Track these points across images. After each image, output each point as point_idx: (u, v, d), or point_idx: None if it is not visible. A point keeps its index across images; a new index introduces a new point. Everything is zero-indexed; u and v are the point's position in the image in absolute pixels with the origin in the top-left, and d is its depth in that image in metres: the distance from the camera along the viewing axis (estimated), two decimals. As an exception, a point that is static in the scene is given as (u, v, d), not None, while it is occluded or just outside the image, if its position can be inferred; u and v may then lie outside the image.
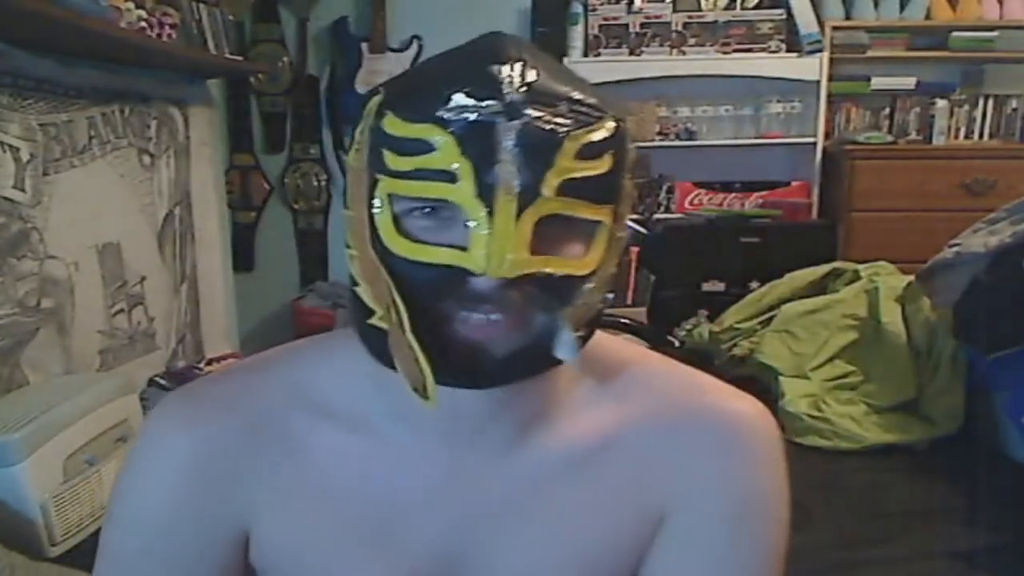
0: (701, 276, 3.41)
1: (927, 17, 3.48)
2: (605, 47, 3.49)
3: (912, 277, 2.51)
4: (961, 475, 1.92)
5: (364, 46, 3.56)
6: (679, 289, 3.30)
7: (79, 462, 1.68)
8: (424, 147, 0.51)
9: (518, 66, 0.51)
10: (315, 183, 3.74)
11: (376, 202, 0.54)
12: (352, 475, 0.61)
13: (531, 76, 0.51)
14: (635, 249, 3.24)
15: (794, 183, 3.64)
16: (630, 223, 0.64)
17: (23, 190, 1.88)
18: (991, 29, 3.43)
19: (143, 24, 2.14)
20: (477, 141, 0.50)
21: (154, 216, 2.56)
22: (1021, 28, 3.45)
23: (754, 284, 3.12)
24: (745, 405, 0.65)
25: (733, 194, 3.66)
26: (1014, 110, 3.55)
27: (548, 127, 0.50)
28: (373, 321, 0.55)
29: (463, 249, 0.51)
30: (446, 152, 0.50)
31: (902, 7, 3.48)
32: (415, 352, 0.52)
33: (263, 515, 0.61)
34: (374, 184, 0.54)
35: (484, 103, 0.50)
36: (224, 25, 2.74)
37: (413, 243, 0.53)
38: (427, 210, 0.52)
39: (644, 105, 3.53)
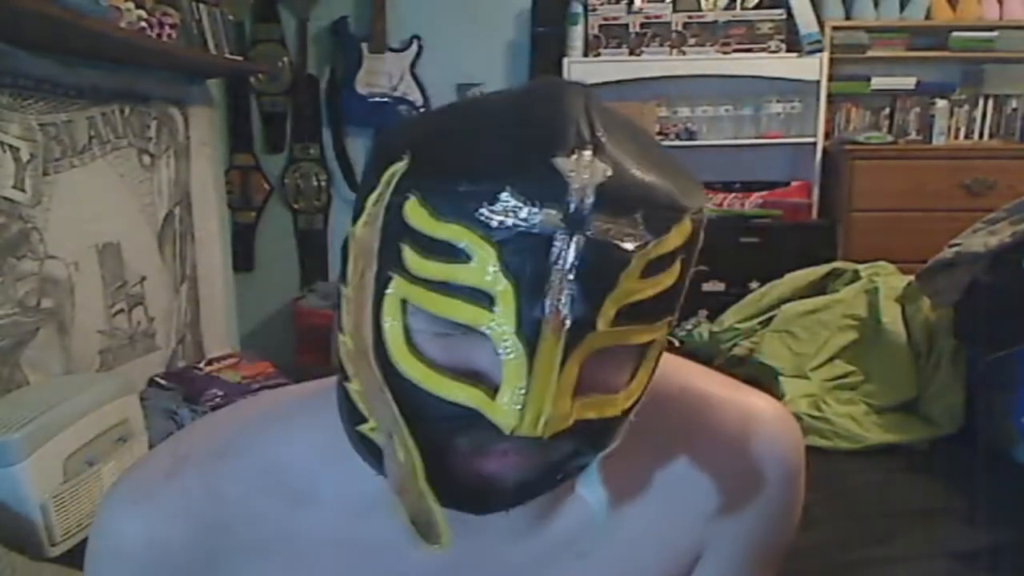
0: (701, 276, 3.41)
1: (927, 17, 3.48)
2: (605, 47, 3.48)
3: (912, 277, 2.51)
4: (961, 475, 1.92)
5: (364, 46, 3.56)
6: (679, 289, 3.29)
7: (79, 462, 1.68)
8: (457, 253, 0.40)
9: (587, 155, 0.40)
10: (315, 183, 3.74)
11: (386, 305, 0.44)
12: (345, 568, 0.54)
13: (603, 173, 0.40)
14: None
15: (794, 183, 3.64)
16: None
17: (23, 190, 1.88)
18: (991, 29, 3.43)
19: (143, 24, 2.14)
20: (527, 257, 0.39)
21: (154, 216, 2.55)
22: (1021, 28, 3.44)
23: (754, 284, 3.12)
24: (767, 417, 0.59)
25: (733, 194, 3.65)
26: (1014, 110, 3.55)
27: (617, 242, 0.40)
28: (365, 431, 0.47)
29: (490, 390, 0.42)
30: (486, 268, 0.39)
31: (902, 7, 3.48)
32: (428, 501, 0.44)
33: None
34: (387, 280, 0.43)
35: (540, 209, 0.39)
36: (224, 25, 2.74)
37: (429, 369, 0.43)
38: (449, 334, 0.43)
39: (644, 105, 3.53)
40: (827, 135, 3.56)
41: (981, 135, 3.57)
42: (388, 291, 0.43)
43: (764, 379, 2.52)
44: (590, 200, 0.39)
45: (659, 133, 3.59)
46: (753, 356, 2.61)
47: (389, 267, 0.43)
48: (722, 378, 0.62)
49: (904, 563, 1.54)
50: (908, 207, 3.32)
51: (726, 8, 3.50)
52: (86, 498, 1.69)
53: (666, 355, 0.54)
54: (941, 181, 3.33)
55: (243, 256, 3.62)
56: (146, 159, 2.49)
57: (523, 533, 0.55)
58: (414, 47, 3.56)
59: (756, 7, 3.49)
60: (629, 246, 0.40)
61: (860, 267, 2.80)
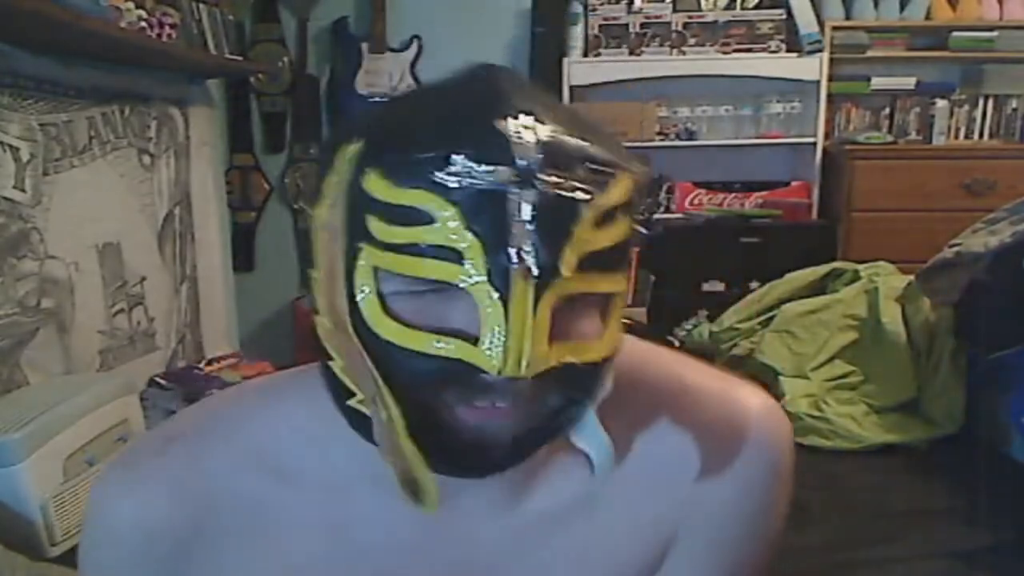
0: (701, 276, 3.41)
1: (927, 17, 3.48)
2: (605, 47, 3.48)
3: (912, 277, 2.51)
4: (961, 475, 1.92)
5: (364, 46, 3.56)
6: (679, 289, 3.30)
7: (79, 462, 1.68)
8: (420, 216, 0.43)
9: (528, 119, 0.44)
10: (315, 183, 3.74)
11: (358, 276, 0.46)
12: (326, 544, 0.55)
13: (544, 132, 0.44)
14: (635, 249, 3.24)
15: (794, 183, 3.64)
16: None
17: (23, 190, 1.88)
18: (991, 29, 3.43)
19: (143, 24, 2.14)
20: (486, 213, 0.42)
21: (154, 216, 2.56)
22: (1021, 28, 3.44)
23: (754, 284, 3.12)
24: (754, 406, 0.59)
25: (733, 194, 3.65)
26: (1014, 110, 3.55)
27: (566, 194, 0.43)
28: (354, 404, 0.48)
29: (469, 339, 0.44)
30: (449, 226, 0.43)
31: (902, 7, 3.48)
32: (411, 460, 0.45)
33: None
34: (355, 252, 0.46)
35: (493, 167, 0.42)
36: (224, 25, 2.74)
37: (406, 328, 0.45)
38: (422, 292, 0.45)
39: (644, 105, 3.53)
40: (827, 135, 3.56)
41: (981, 135, 3.57)
42: (360, 262, 0.46)
43: (764, 379, 2.52)
44: (536, 157, 0.43)
45: (659, 133, 3.59)
46: (753, 356, 2.62)
47: (357, 239, 0.46)
48: (716, 371, 0.62)
49: (904, 563, 1.54)
50: (908, 207, 3.32)
51: (726, 8, 3.50)
52: (86, 498, 1.69)
53: (663, 348, 0.62)
54: (941, 181, 3.33)
55: (243, 256, 3.62)
56: (146, 159, 2.49)
57: (500, 509, 0.56)
58: (414, 47, 3.56)
59: (756, 7, 3.49)
60: (580, 196, 0.44)
61: (860, 267, 2.80)
